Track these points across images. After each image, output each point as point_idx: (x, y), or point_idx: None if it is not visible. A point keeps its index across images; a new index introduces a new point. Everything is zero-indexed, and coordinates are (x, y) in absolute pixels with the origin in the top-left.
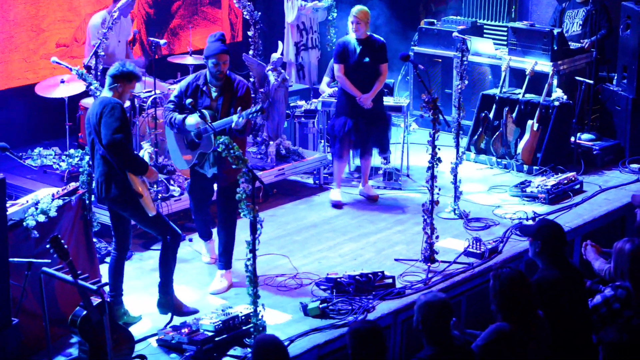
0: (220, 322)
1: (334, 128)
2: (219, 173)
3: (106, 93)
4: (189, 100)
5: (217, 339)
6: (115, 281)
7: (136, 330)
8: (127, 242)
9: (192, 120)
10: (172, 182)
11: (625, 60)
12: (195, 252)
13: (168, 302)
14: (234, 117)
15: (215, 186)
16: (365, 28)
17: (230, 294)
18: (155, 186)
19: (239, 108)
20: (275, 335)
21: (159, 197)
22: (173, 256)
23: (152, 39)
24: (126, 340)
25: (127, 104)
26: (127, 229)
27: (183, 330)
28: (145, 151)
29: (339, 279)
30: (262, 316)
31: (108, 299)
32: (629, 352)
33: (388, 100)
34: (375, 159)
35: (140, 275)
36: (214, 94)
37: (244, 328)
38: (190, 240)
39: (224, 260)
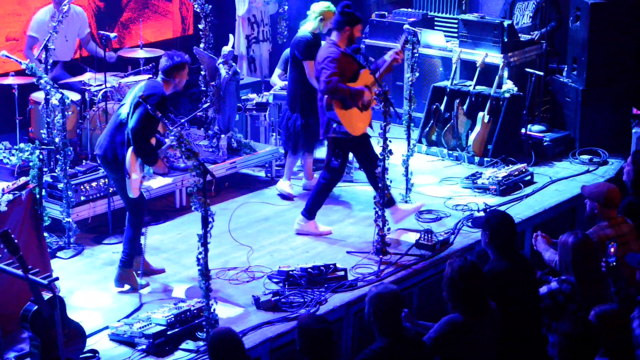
0: (172, 315)
1: (292, 123)
2: None
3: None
4: None
5: (169, 332)
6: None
7: (88, 325)
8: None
9: None
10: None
11: (575, 51)
12: (146, 246)
13: (127, 275)
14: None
15: None
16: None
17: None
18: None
19: None
20: (231, 328)
21: (110, 191)
22: (139, 236)
23: (102, 32)
24: (78, 335)
25: (78, 97)
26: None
27: (135, 325)
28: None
29: (291, 272)
30: (214, 309)
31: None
32: (582, 343)
33: None
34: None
35: (91, 270)
36: None
37: (196, 321)
38: (143, 234)
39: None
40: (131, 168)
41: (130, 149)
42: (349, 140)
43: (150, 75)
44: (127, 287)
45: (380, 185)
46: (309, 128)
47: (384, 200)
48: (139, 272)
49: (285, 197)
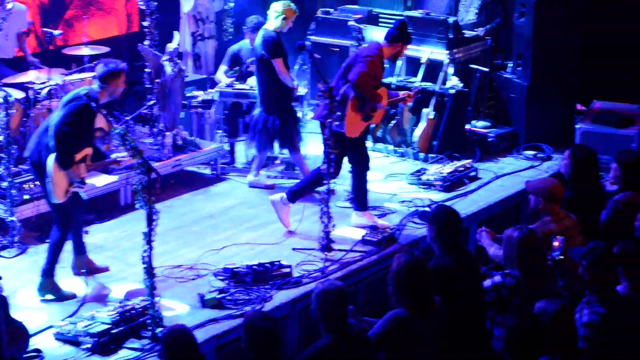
0: (117, 314)
1: (271, 124)
2: None
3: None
4: None
5: (114, 331)
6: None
7: (32, 324)
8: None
9: None
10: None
11: (520, 48)
12: (91, 244)
13: (49, 285)
14: None
15: None
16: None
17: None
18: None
19: None
20: (184, 325)
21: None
22: (62, 243)
23: (46, 29)
24: (21, 334)
25: (22, 95)
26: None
27: (79, 324)
28: None
29: (236, 269)
30: (159, 307)
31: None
32: (528, 337)
33: None
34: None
35: (35, 269)
36: None
37: (141, 320)
38: (87, 232)
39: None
40: (53, 171)
41: (54, 154)
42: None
43: (94, 73)
44: (49, 297)
45: (326, 183)
46: (288, 125)
47: (329, 197)
48: (83, 270)
49: (256, 186)
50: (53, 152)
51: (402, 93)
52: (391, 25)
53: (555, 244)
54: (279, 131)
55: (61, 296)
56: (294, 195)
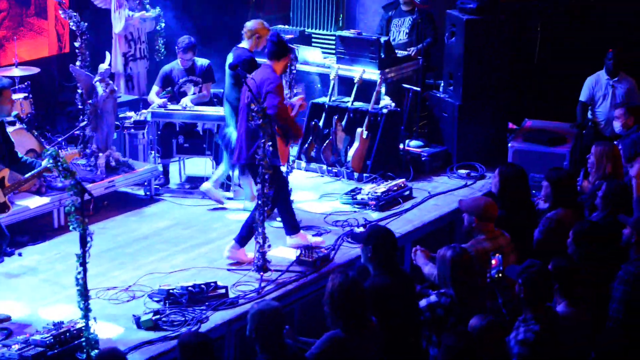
0: (51, 336)
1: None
2: None
3: None
4: None
5: (49, 353)
6: None
7: None
8: None
9: None
10: None
11: (451, 67)
12: (24, 266)
13: None
14: None
15: None
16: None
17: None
18: None
19: None
20: (116, 347)
21: None
22: None
23: None
24: None
25: None
26: None
27: (13, 347)
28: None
29: (171, 290)
30: (94, 330)
31: None
32: (466, 356)
33: (218, 110)
34: (207, 170)
35: None
36: None
37: (76, 342)
38: (20, 254)
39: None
40: None
41: None
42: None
43: (26, 94)
44: None
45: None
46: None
47: (264, 217)
48: None
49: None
50: None
51: (295, 100)
52: (324, 45)
53: (493, 262)
54: None
55: None
56: (243, 240)
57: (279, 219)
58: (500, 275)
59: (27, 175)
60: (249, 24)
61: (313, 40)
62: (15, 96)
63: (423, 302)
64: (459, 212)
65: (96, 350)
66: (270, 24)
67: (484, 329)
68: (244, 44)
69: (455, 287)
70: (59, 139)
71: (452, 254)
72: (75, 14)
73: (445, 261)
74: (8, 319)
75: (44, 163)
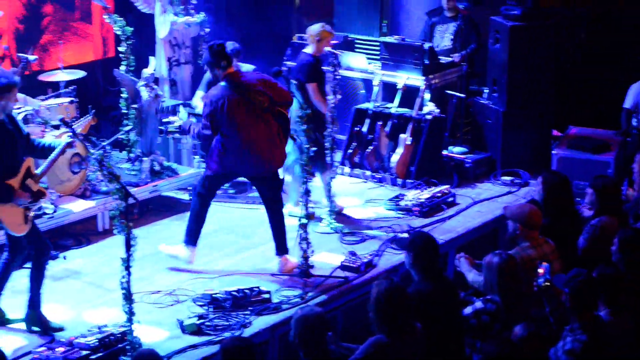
0: (96, 340)
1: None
2: None
3: None
4: None
5: (92, 357)
6: (1, 279)
7: (9, 349)
8: (16, 246)
9: None
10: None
11: (495, 73)
12: (69, 270)
13: (35, 317)
14: None
15: None
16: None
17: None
18: None
19: None
20: (153, 350)
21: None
22: (42, 271)
23: (21, 55)
24: None
25: None
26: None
27: (58, 349)
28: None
29: (215, 295)
30: (138, 333)
31: None
32: None
33: None
34: None
35: (15, 294)
36: None
37: (120, 346)
38: (65, 258)
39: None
40: None
41: None
42: None
43: (71, 98)
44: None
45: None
46: (321, 147)
47: (308, 222)
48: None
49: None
50: None
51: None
52: (367, 51)
53: (540, 270)
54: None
55: (48, 329)
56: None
57: (322, 223)
58: (547, 284)
59: (51, 156)
60: (312, 29)
61: (356, 46)
62: (60, 100)
63: (468, 309)
64: (503, 219)
65: None
66: None
67: (525, 339)
68: (308, 49)
69: (502, 293)
70: (104, 143)
71: (498, 261)
72: (120, 18)
73: (492, 268)
74: (62, 329)
75: (64, 139)
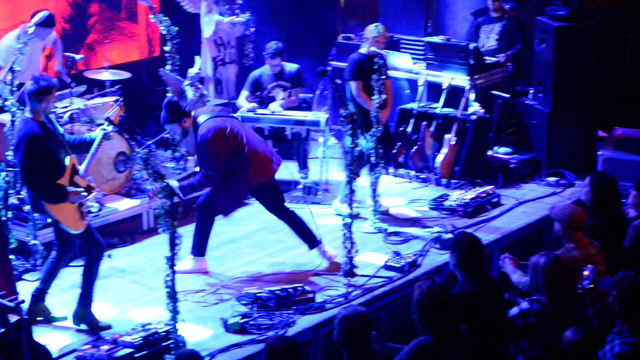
0: (140, 338)
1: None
2: None
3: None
4: None
5: (137, 355)
6: (48, 276)
7: (54, 347)
8: (65, 245)
9: None
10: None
11: (541, 74)
12: (113, 268)
13: (84, 314)
14: None
15: None
16: (383, 46)
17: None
18: None
19: None
20: (195, 350)
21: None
22: (96, 268)
23: (68, 54)
24: (44, 358)
25: None
26: (63, 234)
27: (102, 347)
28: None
29: (259, 294)
30: (182, 332)
31: (35, 293)
32: None
33: (306, 115)
34: (295, 174)
35: (58, 292)
36: None
37: (164, 344)
38: (110, 256)
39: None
40: (53, 212)
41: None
42: None
43: (117, 97)
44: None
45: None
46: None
47: (352, 222)
48: (40, 318)
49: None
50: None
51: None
52: (412, 51)
53: (585, 272)
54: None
55: (96, 328)
56: (311, 240)
57: (367, 222)
58: (592, 286)
59: (92, 150)
60: (366, 28)
61: (401, 46)
62: (106, 99)
63: (514, 310)
64: (548, 220)
65: None
66: (359, 30)
67: (576, 344)
68: (363, 49)
69: (548, 294)
70: (149, 142)
71: (545, 261)
72: (165, 18)
73: (539, 268)
74: (109, 327)
75: (99, 132)
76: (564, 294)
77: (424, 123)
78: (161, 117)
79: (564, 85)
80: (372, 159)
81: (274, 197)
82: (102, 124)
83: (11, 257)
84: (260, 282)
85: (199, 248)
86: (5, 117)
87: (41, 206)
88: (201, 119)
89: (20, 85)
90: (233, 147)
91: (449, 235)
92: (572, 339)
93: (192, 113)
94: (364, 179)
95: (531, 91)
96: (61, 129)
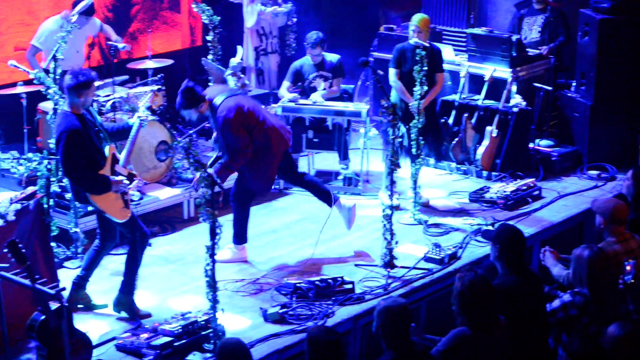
0: (179, 326)
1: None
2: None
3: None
4: None
5: (176, 343)
6: (90, 264)
7: (94, 335)
8: (108, 234)
9: None
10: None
11: (583, 67)
12: (154, 257)
13: (126, 302)
14: None
15: None
16: (425, 35)
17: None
18: None
19: None
20: (239, 339)
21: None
22: (139, 256)
23: (111, 42)
24: (84, 345)
25: None
26: (106, 223)
27: (142, 335)
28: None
29: (298, 284)
30: (221, 321)
31: (76, 280)
32: None
33: (347, 106)
34: (335, 165)
35: (98, 280)
36: None
37: (203, 333)
38: (150, 245)
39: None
40: (98, 202)
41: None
42: None
43: (159, 86)
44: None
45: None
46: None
47: (392, 213)
48: (80, 306)
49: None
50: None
51: None
52: (454, 42)
53: (628, 267)
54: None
55: (136, 316)
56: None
57: (407, 214)
58: (633, 281)
59: (130, 138)
60: (413, 18)
61: (444, 37)
62: (148, 88)
63: (556, 302)
64: (589, 213)
65: None
66: (401, 21)
67: (621, 339)
68: (411, 39)
69: (591, 287)
70: (190, 132)
71: (589, 254)
72: (208, 8)
73: (582, 261)
74: (149, 315)
75: (136, 120)
76: (607, 287)
77: (466, 115)
78: (177, 103)
79: (606, 78)
80: (413, 150)
81: (289, 164)
82: (138, 112)
83: (52, 244)
84: (299, 272)
85: (239, 236)
86: (48, 105)
87: (85, 197)
88: (217, 100)
89: (64, 73)
90: (254, 123)
91: (490, 227)
92: (617, 334)
93: (206, 97)
94: (405, 171)
95: (573, 84)
96: (100, 119)
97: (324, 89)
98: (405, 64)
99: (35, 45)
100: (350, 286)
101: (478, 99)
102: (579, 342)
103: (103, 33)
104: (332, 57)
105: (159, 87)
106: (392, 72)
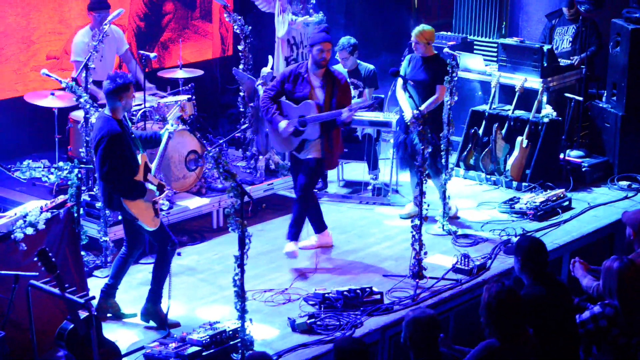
0: (207, 336)
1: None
2: (325, 157)
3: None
4: None
5: (204, 353)
6: (118, 272)
7: (123, 344)
8: (135, 242)
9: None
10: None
11: (615, 77)
12: (183, 266)
13: (154, 311)
14: (344, 110)
15: None
16: (423, 47)
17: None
18: None
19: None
20: (265, 352)
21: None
22: (167, 266)
23: (142, 52)
24: (113, 354)
25: None
26: (134, 231)
27: (170, 345)
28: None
29: (327, 295)
30: (249, 331)
31: (104, 289)
32: None
33: (378, 116)
34: (365, 175)
35: (128, 289)
36: (315, 83)
37: (231, 343)
38: (179, 254)
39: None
40: (131, 208)
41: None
42: None
43: (189, 96)
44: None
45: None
46: (437, 149)
47: (421, 224)
48: (109, 314)
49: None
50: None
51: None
52: (485, 52)
53: None
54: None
55: (165, 324)
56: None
57: (436, 225)
58: None
59: (160, 149)
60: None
61: (475, 47)
62: (178, 98)
63: (586, 314)
64: (620, 225)
65: (251, 352)
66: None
67: None
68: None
69: (621, 298)
70: (220, 141)
71: (619, 265)
72: (239, 17)
73: (612, 272)
74: (178, 324)
75: (165, 132)
76: (637, 299)
77: (496, 125)
78: None
79: (638, 88)
80: (442, 161)
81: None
82: (168, 124)
83: (82, 253)
84: (328, 282)
85: (318, 225)
86: (79, 114)
87: (119, 203)
88: None
89: (94, 82)
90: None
91: (513, 239)
92: None
93: None
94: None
95: (605, 94)
96: (131, 126)
97: (354, 97)
98: (407, 73)
99: (78, 60)
100: (378, 296)
101: (509, 109)
102: (610, 354)
103: (123, 57)
104: (368, 67)
105: (189, 96)
106: (399, 81)
